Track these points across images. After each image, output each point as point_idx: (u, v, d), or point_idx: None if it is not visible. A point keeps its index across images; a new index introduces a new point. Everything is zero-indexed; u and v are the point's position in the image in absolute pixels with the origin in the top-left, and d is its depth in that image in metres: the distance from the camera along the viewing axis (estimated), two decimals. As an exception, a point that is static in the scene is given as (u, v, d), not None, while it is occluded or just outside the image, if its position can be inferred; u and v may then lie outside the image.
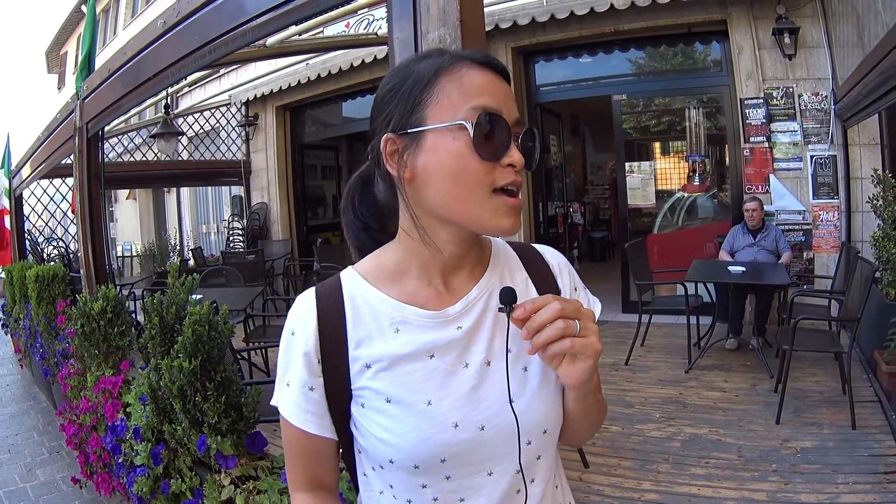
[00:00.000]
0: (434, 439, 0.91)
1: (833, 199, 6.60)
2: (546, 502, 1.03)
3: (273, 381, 1.03)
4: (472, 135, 0.87)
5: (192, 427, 2.37)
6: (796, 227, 6.80)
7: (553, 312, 0.84)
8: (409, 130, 0.90)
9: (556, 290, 1.07)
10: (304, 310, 0.99)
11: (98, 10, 18.11)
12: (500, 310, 0.88)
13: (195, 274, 2.97)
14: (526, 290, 1.05)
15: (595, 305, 1.11)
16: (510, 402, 0.94)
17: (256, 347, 5.72)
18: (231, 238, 10.98)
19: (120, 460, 2.86)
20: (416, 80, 0.91)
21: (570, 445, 1.25)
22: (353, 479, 1.07)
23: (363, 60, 8.34)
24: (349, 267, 1.04)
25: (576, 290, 1.11)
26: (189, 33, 2.93)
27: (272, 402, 1.01)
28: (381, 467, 0.96)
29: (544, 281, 1.08)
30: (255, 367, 5.75)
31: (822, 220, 6.68)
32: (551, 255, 1.13)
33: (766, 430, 4.37)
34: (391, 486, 0.97)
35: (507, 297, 0.87)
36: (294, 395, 0.98)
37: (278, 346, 1.01)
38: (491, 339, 0.98)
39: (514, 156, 0.90)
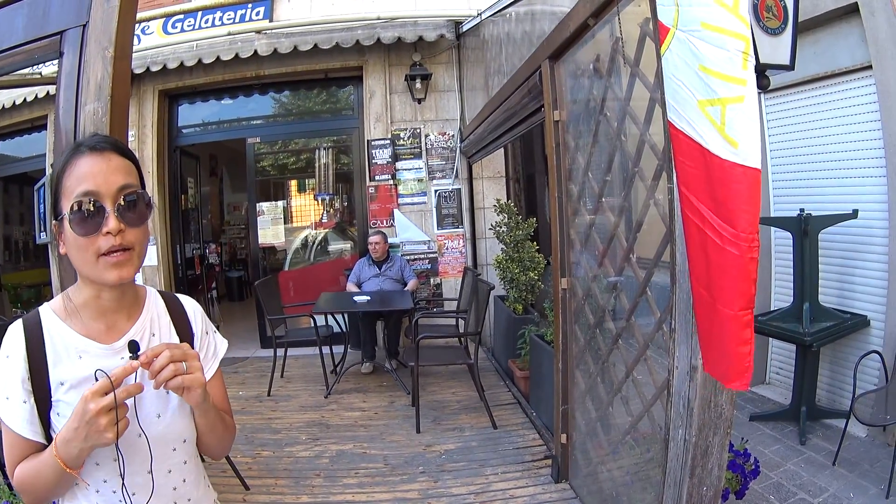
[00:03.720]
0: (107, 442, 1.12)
1: (458, 228, 7.24)
2: (199, 497, 1.40)
3: None
4: (69, 220, 1.17)
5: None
6: (422, 255, 7.24)
7: (165, 359, 1.15)
8: (56, 218, 1.22)
9: (191, 334, 1.42)
10: (14, 339, 1.23)
11: None
12: (130, 357, 1.15)
13: None
14: (169, 332, 1.38)
15: (222, 345, 1.54)
16: (157, 416, 1.28)
17: None
18: None
19: None
20: (55, 176, 1.22)
21: (210, 457, 1.48)
22: None
23: (25, 99, 7.68)
24: (45, 304, 1.30)
25: (207, 332, 1.47)
26: None
27: None
28: None
29: (183, 325, 1.41)
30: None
31: (447, 248, 7.24)
32: (189, 305, 1.46)
33: (409, 440, 4.52)
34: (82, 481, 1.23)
35: (133, 347, 1.17)
36: (12, 407, 1.20)
37: None
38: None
39: (110, 224, 1.17)
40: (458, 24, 7.00)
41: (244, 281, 11.62)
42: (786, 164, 4.96)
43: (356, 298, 5.93)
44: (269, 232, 9.20)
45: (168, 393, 1.26)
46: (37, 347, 1.22)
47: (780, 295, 5.05)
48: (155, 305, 1.39)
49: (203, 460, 1.48)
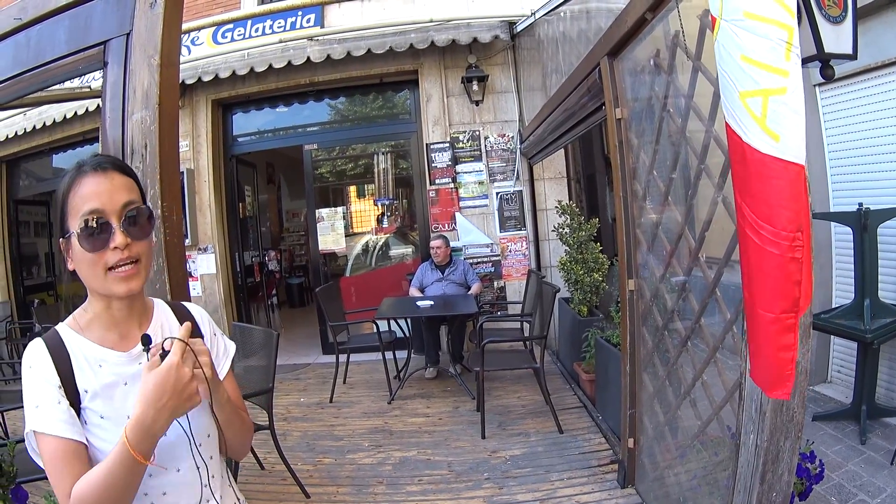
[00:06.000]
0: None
1: (520, 230, 7.27)
2: (224, 494, 1.45)
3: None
4: (78, 238, 1.25)
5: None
6: (485, 259, 7.30)
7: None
8: (64, 236, 1.30)
9: (200, 334, 1.48)
10: (37, 351, 1.28)
11: None
12: (143, 350, 1.25)
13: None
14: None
15: (231, 346, 1.60)
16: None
17: None
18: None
19: None
20: (61, 196, 1.29)
21: (232, 455, 1.55)
22: None
23: (76, 112, 7.98)
24: (61, 323, 1.36)
25: (215, 334, 1.55)
26: None
27: (28, 430, 1.22)
28: None
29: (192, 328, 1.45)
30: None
31: (510, 251, 7.28)
32: (195, 311, 1.56)
33: (473, 445, 4.53)
34: None
35: (146, 340, 1.25)
36: (46, 411, 1.22)
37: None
38: None
39: (117, 240, 1.26)
40: (511, 24, 7.05)
41: (304, 287, 11.89)
42: (844, 158, 4.82)
43: (419, 303, 6.01)
44: (329, 238, 9.34)
45: None
46: (61, 358, 1.28)
47: (842, 291, 4.90)
48: (163, 314, 1.47)
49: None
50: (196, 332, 1.46)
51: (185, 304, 1.57)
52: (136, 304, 1.38)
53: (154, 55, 2.38)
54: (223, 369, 1.50)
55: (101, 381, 1.28)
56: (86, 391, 1.27)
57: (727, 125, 1.66)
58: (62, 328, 1.34)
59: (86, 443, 1.24)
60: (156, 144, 2.37)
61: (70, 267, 1.31)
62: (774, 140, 1.48)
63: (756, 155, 1.52)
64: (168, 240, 2.40)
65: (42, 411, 1.21)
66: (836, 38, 1.70)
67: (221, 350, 1.55)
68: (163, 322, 1.45)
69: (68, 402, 1.24)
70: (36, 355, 1.28)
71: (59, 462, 1.20)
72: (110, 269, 1.27)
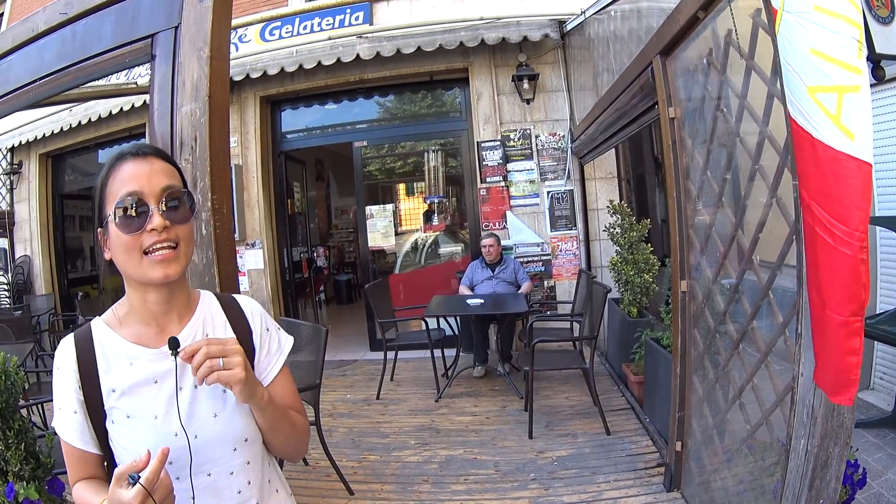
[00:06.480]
0: (160, 447, 1.10)
1: (571, 230, 7.25)
2: (266, 501, 1.40)
3: (55, 432, 1.32)
4: (115, 220, 1.22)
5: (-3, 476, 2.66)
6: (536, 258, 7.30)
7: (201, 355, 1.17)
8: (102, 225, 1.27)
9: (249, 331, 1.42)
10: (66, 351, 1.30)
11: None
12: (171, 354, 1.20)
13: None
14: (224, 331, 1.39)
15: (286, 341, 1.50)
16: (214, 416, 1.30)
17: (34, 403, 5.17)
18: (-4, 293, 10.47)
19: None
20: (99, 184, 1.27)
21: (283, 456, 1.53)
22: None
23: (122, 108, 8.22)
24: (98, 317, 1.35)
25: (267, 329, 1.46)
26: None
27: (51, 425, 1.33)
28: None
29: (239, 323, 1.43)
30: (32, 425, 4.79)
31: (561, 251, 7.27)
32: (246, 304, 1.48)
33: (520, 445, 4.54)
34: None
35: (174, 344, 1.20)
36: (64, 417, 1.27)
37: (52, 401, 1.33)
38: None
39: (155, 221, 1.22)
40: (561, 23, 7.04)
41: (352, 284, 12.04)
42: (888, 161, 4.72)
43: (470, 301, 6.05)
44: (379, 235, 9.47)
45: (225, 391, 1.29)
46: (87, 357, 1.28)
47: (886, 297, 4.82)
48: (209, 307, 1.41)
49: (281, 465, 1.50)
50: (245, 326, 1.42)
51: (237, 296, 1.50)
52: (177, 295, 1.33)
53: (203, 48, 2.37)
54: (274, 367, 1.44)
55: (131, 380, 1.27)
56: (112, 390, 1.26)
57: (793, 121, 1.63)
58: (97, 323, 1.34)
59: (96, 453, 1.28)
60: (206, 137, 2.39)
61: (107, 256, 1.28)
62: (850, 138, 1.46)
63: (830, 152, 1.49)
64: (218, 233, 2.40)
65: (61, 415, 1.27)
66: (886, 39, 1.67)
67: (275, 347, 1.46)
68: (206, 316, 1.39)
69: (87, 410, 1.26)
70: (63, 355, 1.29)
71: (70, 460, 1.29)
72: (146, 253, 1.23)
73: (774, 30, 1.69)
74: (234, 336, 1.37)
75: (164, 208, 1.23)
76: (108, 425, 1.26)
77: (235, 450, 1.31)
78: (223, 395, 1.30)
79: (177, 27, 2.45)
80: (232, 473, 1.31)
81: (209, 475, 1.28)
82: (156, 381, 1.27)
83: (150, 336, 1.30)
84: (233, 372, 1.19)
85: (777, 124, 2.25)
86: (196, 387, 1.27)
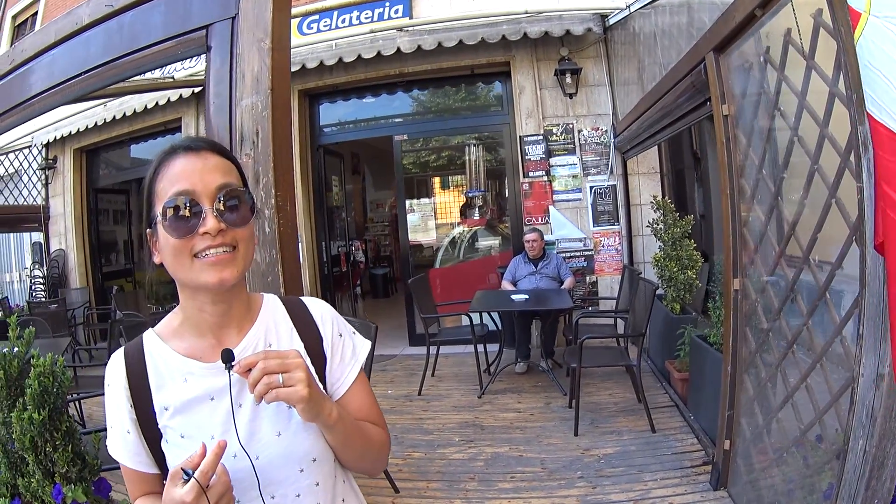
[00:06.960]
0: (218, 468, 1.04)
1: (614, 225, 7.23)
2: None
3: (101, 430, 1.37)
4: (163, 222, 1.10)
5: (45, 478, 2.62)
6: (578, 253, 7.31)
7: (257, 372, 1.06)
8: (151, 226, 1.16)
9: (319, 338, 1.30)
10: (115, 366, 1.22)
11: None
12: (226, 368, 1.11)
13: (31, 327, 3.03)
14: (290, 340, 1.28)
15: (362, 346, 1.37)
16: (277, 435, 1.19)
17: (73, 399, 5.22)
18: (33, 287, 10.84)
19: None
20: (147, 182, 1.16)
21: (359, 472, 1.38)
22: None
23: (157, 102, 8.36)
24: (150, 329, 1.26)
25: (340, 335, 1.33)
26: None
27: (106, 443, 1.24)
28: None
29: (308, 330, 1.30)
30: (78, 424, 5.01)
31: (603, 246, 7.26)
32: (316, 308, 1.35)
33: (566, 443, 4.55)
34: None
35: (227, 357, 1.11)
36: (116, 436, 1.21)
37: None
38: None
39: (208, 224, 1.10)
40: (603, 17, 7.00)
41: (388, 278, 12.12)
42: None
43: (514, 297, 6.03)
44: (419, 229, 9.48)
45: (290, 408, 1.17)
46: (138, 373, 1.19)
47: None
48: (272, 314, 1.30)
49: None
50: (315, 333, 1.30)
51: (305, 298, 1.37)
52: (236, 304, 1.23)
53: (264, 38, 2.28)
54: (349, 376, 1.31)
55: (185, 397, 1.17)
56: (165, 408, 1.17)
57: (879, 123, 1.65)
58: (149, 335, 1.24)
59: (151, 472, 1.21)
60: (268, 131, 2.29)
61: (157, 260, 1.18)
62: None
63: None
64: (282, 231, 2.30)
65: (113, 435, 1.21)
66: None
67: (349, 353, 1.33)
68: (269, 325, 1.27)
69: (139, 428, 1.18)
70: (113, 371, 1.22)
71: (128, 478, 1.24)
72: (196, 255, 1.11)
73: (853, 33, 1.69)
74: (303, 345, 1.27)
75: (219, 209, 1.11)
76: (163, 445, 1.18)
77: (302, 471, 1.20)
78: (288, 412, 1.18)
79: (234, 17, 2.37)
80: (298, 496, 1.20)
81: (273, 497, 1.18)
82: (212, 398, 1.17)
83: (206, 348, 1.20)
84: (294, 389, 1.07)
85: (835, 124, 2.25)
86: (257, 403, 1.12)
